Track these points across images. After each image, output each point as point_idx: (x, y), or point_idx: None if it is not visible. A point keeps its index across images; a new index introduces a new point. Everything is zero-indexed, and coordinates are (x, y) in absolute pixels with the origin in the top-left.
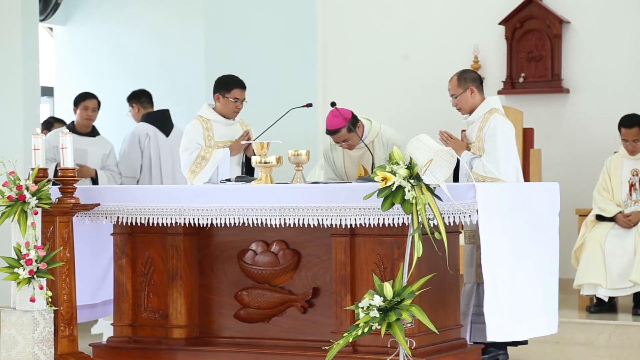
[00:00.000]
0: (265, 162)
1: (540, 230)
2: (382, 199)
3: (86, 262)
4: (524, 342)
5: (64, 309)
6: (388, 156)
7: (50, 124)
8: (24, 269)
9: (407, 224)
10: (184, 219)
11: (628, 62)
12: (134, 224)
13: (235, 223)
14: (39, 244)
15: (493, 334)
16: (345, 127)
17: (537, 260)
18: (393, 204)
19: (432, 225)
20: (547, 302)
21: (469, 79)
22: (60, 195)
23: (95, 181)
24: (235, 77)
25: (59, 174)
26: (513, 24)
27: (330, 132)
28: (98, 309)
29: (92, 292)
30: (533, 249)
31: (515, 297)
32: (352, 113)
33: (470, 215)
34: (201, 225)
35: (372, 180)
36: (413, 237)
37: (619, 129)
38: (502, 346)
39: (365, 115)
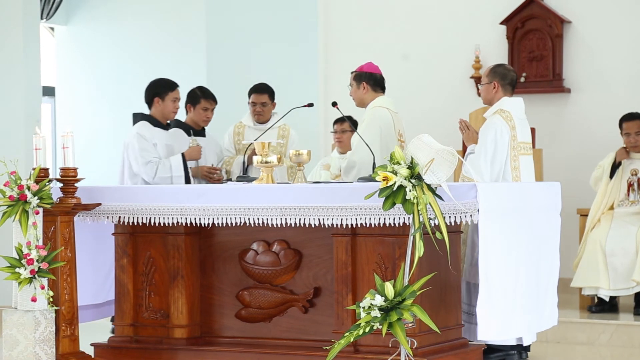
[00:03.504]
0: (266, 162)
1: (542, 230)
2: (384, 198)
3: (90, 262)
4: (527, 349)
5: (65, 309)
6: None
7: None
8: (25, 269)
9: (408, 224)
10: (185, 218)
11: (629, 62)
12: (135, 223)
13: (236, 223)
14: (40, 243)
15: (484, 334)
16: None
17: (538, 260)
18: (394, 204)
19: (433, 225)
20: (547, 300)
21: (498, 74)
22: (62, 195)
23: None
24: (256, 84)
25: (60, 174)
26: (514, 23)
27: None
28: (103, 308)
29: (96, 291)
30: (534, 248)
31: (515, 297)
32: (362, 73)
33: (471, 215)
34: (202, 225)
35: (374, 180)
36: (414, 237)
37: (620, 125)
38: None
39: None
